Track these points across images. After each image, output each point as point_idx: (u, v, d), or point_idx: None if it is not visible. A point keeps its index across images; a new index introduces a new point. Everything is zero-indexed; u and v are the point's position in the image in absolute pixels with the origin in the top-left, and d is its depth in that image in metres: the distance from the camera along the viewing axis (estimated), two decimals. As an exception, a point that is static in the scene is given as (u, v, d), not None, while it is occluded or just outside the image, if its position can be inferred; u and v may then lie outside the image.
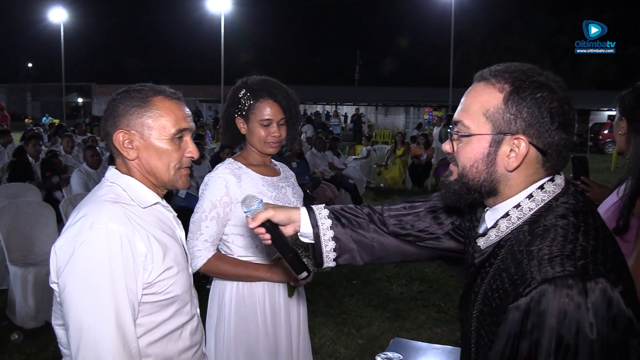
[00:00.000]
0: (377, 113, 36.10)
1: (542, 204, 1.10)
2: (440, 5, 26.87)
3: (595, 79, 38.76)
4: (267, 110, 2.07)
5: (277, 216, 1.39)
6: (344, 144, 15.24)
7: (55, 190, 6.86)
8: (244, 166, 2.11)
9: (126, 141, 1.41)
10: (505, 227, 1.12)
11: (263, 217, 1.38)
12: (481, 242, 1.17)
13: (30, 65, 57.08)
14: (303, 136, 14.80)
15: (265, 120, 2.07)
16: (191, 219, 2.05)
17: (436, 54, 42.76)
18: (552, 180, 1.12)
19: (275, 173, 2.21)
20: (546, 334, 0.95)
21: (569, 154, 1.12)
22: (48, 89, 42.95)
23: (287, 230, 1.42)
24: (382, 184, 11.68)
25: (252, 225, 1.38)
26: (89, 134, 12.70)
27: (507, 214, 1.12)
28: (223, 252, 2.12)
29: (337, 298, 4.96)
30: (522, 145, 1.07)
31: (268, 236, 1.39)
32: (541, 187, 1.11)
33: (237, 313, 2.06)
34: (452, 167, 1.19)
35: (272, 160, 2.25)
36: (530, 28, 41.08)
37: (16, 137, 12.25)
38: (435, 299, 4.93)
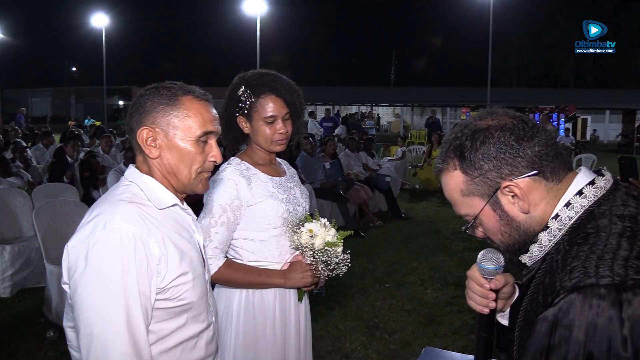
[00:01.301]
0: (412, 113, 35.70)
1: (582, 211, 1.00)
2: (478, 3, 26.34)
3: (641, 77, 37.28)
4: (271, 106, 1.95)
5: (509, 286, 1.22)
6: (379, 145, 15.08)
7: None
8: (252, 166, 2.00)
9: (149, 139, 1.36)
10: (547, 240, 1.03)
11: (509, 281, 1.19)
12: (526, 259, 1.08)
13: (74, 69, 59.00)
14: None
15: (269, 118, 1.95)
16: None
17: (474, 52, 42.03)
18: (592, 183, 1.02)
19: (282, 172, 2.11)
20: (572, 349, 0.85)
21: (554, 144, 1.05)
22: (91, 92, 44.26)
23: (498, 304, 1.23)
24: (417, 186, 11.50)
25: (491, 286, 1.17)
26: (127, 136, 12.95)
27: (546, 227, 1.04)
28: (230, 257, 2.02)
29: (369, 302, 4.87)
30: (512, 187, 1.03)
31: (494, 305, 1.18)
32: (580, 193, 1.02)
33: (246, 323, 1.96)
34: (497, 244, 1.15)
35: (276, 157, 2.14)
36: (573, 24, 39.79)
37: (57, 138, 12.61)
38: (472, 304, 4.77)
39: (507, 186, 1.03)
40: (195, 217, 1.52)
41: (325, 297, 4.85)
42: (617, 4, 36.14)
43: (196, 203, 1.94)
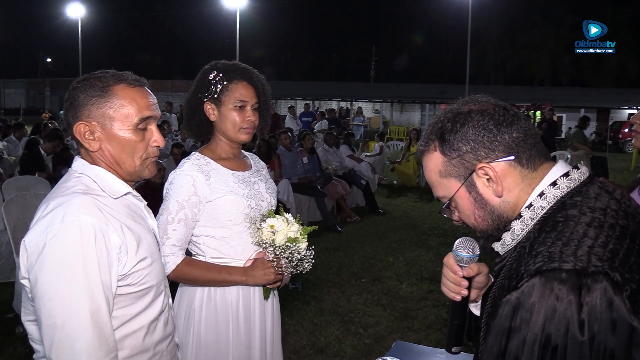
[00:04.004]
0: (392, 110, 35.89)
1: (554, 201, 1.02)
2: (458, 1, 26.56)
3: (615, 77, 38.08)
4: (242, 92, 1.93)
5: (483, 276, 1.23)
6: (358, 141, 15.11)
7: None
8: (212, 161, 1.94)
9: (87, 133, 1.37)
10: (519, 229, 1.05)
11: (483, 270, 1.21)
12: (498, 247, 1.09)
13: (49, 60, 57.83)
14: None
15: (240, 102, 1.92)
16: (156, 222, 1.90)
17: (453, 50, 42.43)
18: (566, 175, 1.04)
19: (246, 166, 2.06)
20: (531, 331, 0.86)
21: (534, 133, 1.07)
22: (66, 84, 42.91)
23: (472, 294, 1.24)
24: (395, 181, 11.57)
25: (464, 274, 1.19)
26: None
27: (519, 216, 1.05)
28: (193, 254, 1.98)
29: (345, 296, 4.89)
30: (487, 169, 1.05)
31: (466, 292, 1.20)
32: (553, 184, 1.04)
33: (208, 321, 1.93)
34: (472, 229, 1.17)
35: (242, 151, 2.11)
36: (550, 23, 40.42)
37: (29, 130, 12.34)
38: (446, 299, 4.75)
39: (482, 168, 1.05)
40: (146, 203, 1.52)
41: (301, 291, 4.86)
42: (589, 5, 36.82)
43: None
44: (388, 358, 1.60)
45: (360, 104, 28.96)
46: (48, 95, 46.38)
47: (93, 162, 1.40)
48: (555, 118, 13.81)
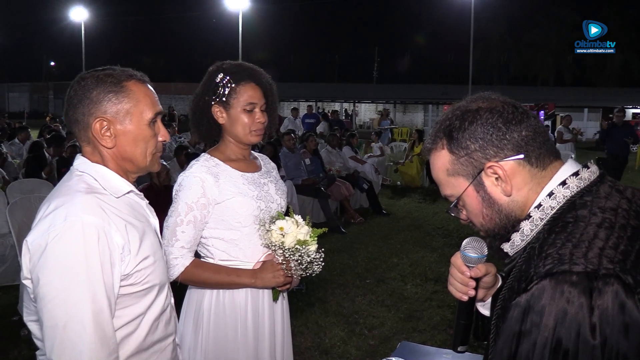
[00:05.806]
0: (395, 111, 35.85)
1: (564, 201, 1.00)
2: (460, 1, 26.54)
3: (618, 76, 37.97)
4: (251, 93, 1.90)
5: (491, 276, 1.23)
6: (361, 142, 15.06)
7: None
8: (221, 162, 1.93)
9: (104, 129, 1.36)
10: (529, 229, 1.03)
11: (490, 270, 1.21)
12: (507, 248, 1.08)
13: (52, 63, 58.02)
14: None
15: (249, 105, 1.89)
16: (165, 224, 1.88)
17: (455, 50, 42.40)
18: (576, 174, 1.02)
19: (256, 168, 2.05)
20: (542, 335, 0.85)
21: (543, 131, 1.06)
22: (70, 87, 43.52)
23: (479, 293, 1.23)
24: (398, 182, 11.54)
25: (471, 274, 1.18)
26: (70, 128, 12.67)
27: (529, 216, 1.04)
28: (203, 256, 1.97)
29: (349, 297, 4.88)
30: (496, 168, 1.03)
31: (473, 293, 1.19)
32: (563, 183, 1.02)
33: (217, 323, 1.92)
34: (478, 228, 1.16)
35: (252, 152, 2.09)
36: (552, 23, 40.34)
37: (35, 134, 12.39)
38: (451, 299, 4.80)
39: (490, 167, 1.03)
40: (148, 202, 1.53)
41: (306, 293, 4.85)
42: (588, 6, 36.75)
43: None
44: (393, 359, 1.59)
45: (357, 104, 28.55)
46: (52, 99, 46.51)
47: (102, 159, 1.39)
48: (616, 119, 11.62)
